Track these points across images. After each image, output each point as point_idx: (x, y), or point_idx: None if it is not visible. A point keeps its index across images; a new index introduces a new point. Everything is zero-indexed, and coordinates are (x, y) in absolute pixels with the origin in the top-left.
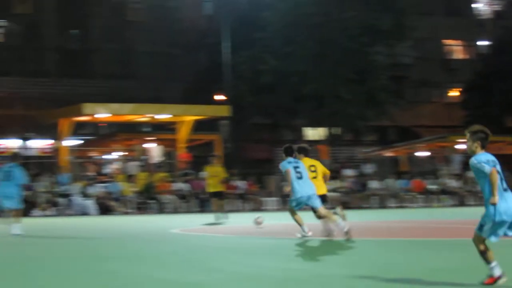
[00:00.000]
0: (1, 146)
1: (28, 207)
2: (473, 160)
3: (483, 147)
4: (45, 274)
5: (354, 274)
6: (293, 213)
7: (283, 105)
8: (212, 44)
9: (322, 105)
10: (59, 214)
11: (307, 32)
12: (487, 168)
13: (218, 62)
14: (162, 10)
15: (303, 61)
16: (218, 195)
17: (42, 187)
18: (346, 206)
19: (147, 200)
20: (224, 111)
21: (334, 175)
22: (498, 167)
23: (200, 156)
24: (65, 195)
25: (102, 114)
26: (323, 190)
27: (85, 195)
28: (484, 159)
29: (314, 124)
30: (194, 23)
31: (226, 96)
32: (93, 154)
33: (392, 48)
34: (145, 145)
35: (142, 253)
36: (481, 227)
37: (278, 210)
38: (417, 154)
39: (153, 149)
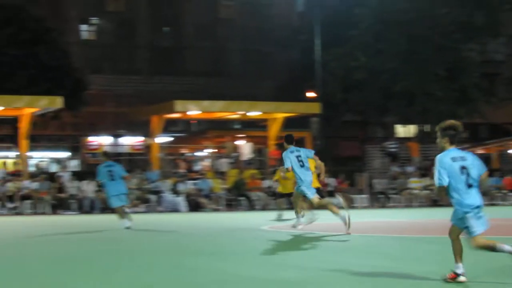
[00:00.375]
0: (94, 143)
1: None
2: (437, 159)
3: (452, 142)
4: (133, 268)
5: (443, 273)
6: (318, 203)
7: (374, 102)
8: (304, 41)
9: (413, 102)
10: (150, 210)
11: (399, 29)
12: (439, 182)
13: (310, 59)
14: (254, 8)
15: (394, 58)
16: (288, 196)
17: (133, 183)
18: (436, 203)
19: (237, 197)
20: (315, 108)
21: (425, 172)
22: (466, 163)
23: None
24: (156, 192)
25: (193, 111)
26: (316, 183)
27: (176, 192)
28: (449, 159)
29: (405, 121)
30: (286, 20)
31: (317, 93)
32: (184, 151)
33: (485, 45)
34: (235, 142)
35: (231, 249)
36: (468, 230)
37: (368, 207)
38: (509, 151)
39: (244, 146)
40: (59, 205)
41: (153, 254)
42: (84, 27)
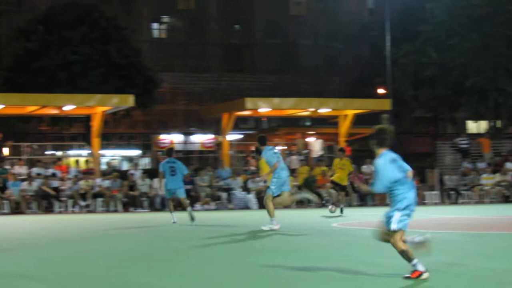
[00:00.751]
0: (165, 141)
1: (190, 201)
2: (376, 163)
3: (383, 146)
4: (201, 264)
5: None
6: (271, 200)
7: (445, 98)
8: (374, 37)
9: (485, 98)
10: (220, 208)
11: (471, 24)
12: (378, 187)
13: (380, 55)
14: (324, 4)
15: (465, 54)
16: (341, 188)
17: (204, 181)
18: (508, 200)
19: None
20: (386, 104)
21: (496, 168)
22: (402, 163)
23: (360, 150)
24: (226, 189)
25: (264, 108)
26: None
27: (246, 189)
28: (387, 161)
29: (476, 117)
30: (356, 16)
31: (387, 89)
32: (254, 148)
33: None
34: (306, 139)
35: (300, 247)
36: (389, 222)
37: (439, 204)
38: None
39: (314, 143)
40: (131, 203)
41: (222, 251)
42: (155, 25)
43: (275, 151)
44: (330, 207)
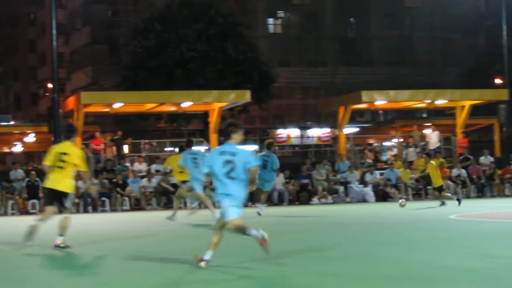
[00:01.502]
0: (282, 135)
1: (307, 195)
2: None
3: (227, 138)
4: (321, 258)
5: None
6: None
7: None
8: (490, 26)
9: None
10: (337, 201)
11: None
12: (204, 170)
13: (497, 44)
14: None
15: None
16: (438, 189)
17: (321, 175)
18: None
19: (425, 187)
20: (503, 94)
21: None
22: (233, 158)
23: (477, 141)
24: (343, 183)
25: (380, 101)
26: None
27: (363, 182)
28: (217, 152)
29: None
30: (472, 6)
31: (504, 79)
32: (371, 141)
33: None
34: (422, 131)
35: (417, 239)
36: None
37: None
38: None
39: (431, 135)
40: (249, 198)
41: (342, 245)
42: (270, 20)
43: (195, 156)
44: (400, 201)
